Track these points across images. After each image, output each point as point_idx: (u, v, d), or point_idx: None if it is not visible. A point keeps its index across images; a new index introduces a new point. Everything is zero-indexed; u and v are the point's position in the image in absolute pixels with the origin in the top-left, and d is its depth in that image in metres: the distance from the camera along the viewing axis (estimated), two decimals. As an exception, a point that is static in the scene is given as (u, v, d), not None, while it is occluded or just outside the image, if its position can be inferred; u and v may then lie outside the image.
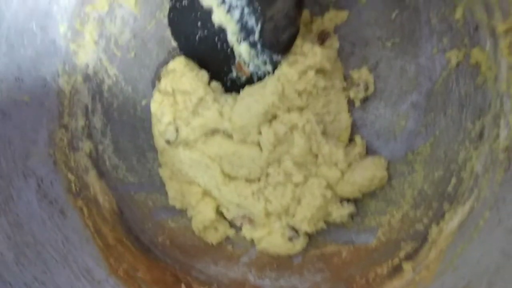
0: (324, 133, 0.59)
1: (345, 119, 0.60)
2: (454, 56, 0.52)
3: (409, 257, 0.54)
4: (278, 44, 0.55)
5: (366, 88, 0.59)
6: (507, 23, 0.43)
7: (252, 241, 0.63)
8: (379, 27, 0.58)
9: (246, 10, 0.55)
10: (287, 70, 0.56)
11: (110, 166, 0.65)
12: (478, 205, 0.46)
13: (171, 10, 0.63)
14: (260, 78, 0.60)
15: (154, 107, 0.63)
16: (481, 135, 0.48)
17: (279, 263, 0.62)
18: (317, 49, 0.56)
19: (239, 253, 0.64)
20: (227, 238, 0.65)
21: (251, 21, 0.56)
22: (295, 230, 0.60)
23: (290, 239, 0.60)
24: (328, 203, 0.58)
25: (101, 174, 0.64)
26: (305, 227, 0.58)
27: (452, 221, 0.49)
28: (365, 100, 0.60)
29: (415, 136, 0.57)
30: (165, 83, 0.62)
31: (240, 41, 0.58)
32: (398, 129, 0.59)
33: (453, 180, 0.51)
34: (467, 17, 0.50)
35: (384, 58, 0.59)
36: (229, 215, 0.63)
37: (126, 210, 0.64)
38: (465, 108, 0.51)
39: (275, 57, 0.57)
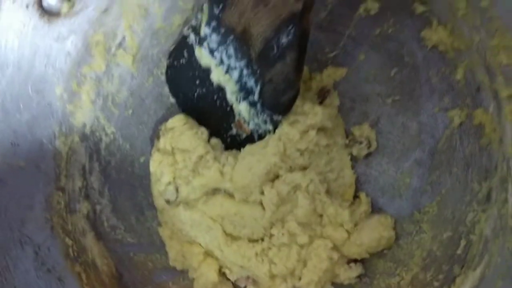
0: (328, 191, 0.58)
1: (348, 176, 0.59)
2: (456, 116, 0.52)
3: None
4: (278, 105, 0.55)
5: (369, 145, 0.59)
6: (510, 89, 0.42)
7: (257, 303, 0.61)
8: (378, 84, 0.58)
9: (245, 71, 0.55)
10: (288, 129, 0.56)
11: (109, 227, 0.63)
12: (490, 272, 0.44)
13: (169, 67, 0.63)
14: (260, 136, 0.60)
15: (153, 166, 0.62)
16: (488, 198, 0.47)
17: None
18: (318, 109, 0.55)
19: (243, 315, 0.62)
20: (231, 300, 0.63)
21: (250, 82, 0.55)
22: (301, 292, 0.58)
23: (297, 301, 0.58)
24: (335, 265, 0.56)
25: (99, 236, 0.62)
26: (312, 290, 0.57)
27: (464, 287, 0.47)
28: (367, 156, 0.60)
29: (421, 194, 0.56)
30: (164, 142, 0.62)
31: (240, 100, 0.57)
32: (403, 186, 0.58)
33: (463, 242, 0.50)
34: (469, 78, 0.49)
35: (385, 114, 0.58)
36: (232, 277, 0.61)
37: (125, 273, 0.62)
38: (471, 168, 0.50)
39: (275, 116, 0.57)
